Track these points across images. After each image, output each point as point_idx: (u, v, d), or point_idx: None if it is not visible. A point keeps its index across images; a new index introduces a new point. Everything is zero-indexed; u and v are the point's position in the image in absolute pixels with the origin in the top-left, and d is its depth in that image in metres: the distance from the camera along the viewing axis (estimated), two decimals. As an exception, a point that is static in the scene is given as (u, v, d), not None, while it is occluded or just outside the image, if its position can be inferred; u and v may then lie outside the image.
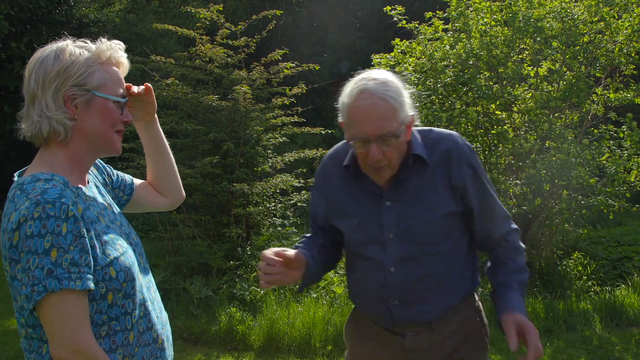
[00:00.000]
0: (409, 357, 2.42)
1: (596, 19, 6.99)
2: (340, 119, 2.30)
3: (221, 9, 8.42)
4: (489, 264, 2.51)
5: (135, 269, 1.93)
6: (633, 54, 7.02)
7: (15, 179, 1.88)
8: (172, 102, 7.92)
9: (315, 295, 6.55)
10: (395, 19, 7.73)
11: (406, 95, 2.23)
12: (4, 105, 12.01)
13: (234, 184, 7.28)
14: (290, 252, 2.27)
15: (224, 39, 8.13)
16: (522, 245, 2.48)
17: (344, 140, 2.38)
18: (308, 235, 2.64)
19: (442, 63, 7.14)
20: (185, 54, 8.50)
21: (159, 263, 7.40)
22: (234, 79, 7.85)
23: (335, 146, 2.55)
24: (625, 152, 6.75)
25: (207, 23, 8.40)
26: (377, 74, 2.22)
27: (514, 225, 2.48)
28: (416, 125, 2.35)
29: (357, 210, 2.39)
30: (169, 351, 2.09)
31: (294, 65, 8.09)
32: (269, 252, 2.25)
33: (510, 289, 2.36)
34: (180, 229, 7.70)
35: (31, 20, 12.92)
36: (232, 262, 7.21)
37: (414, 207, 2.30)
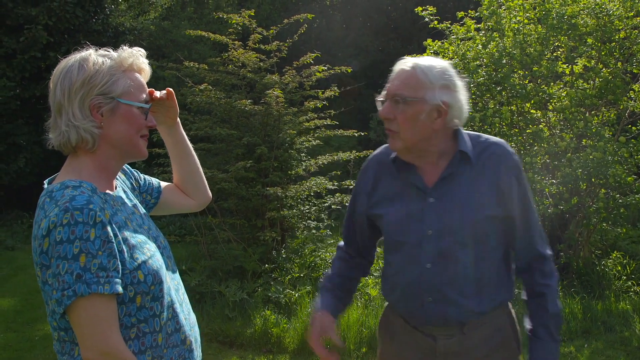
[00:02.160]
0: None
1: (632, 14, 6.87)
2: None
3: (253, 14, 8.48)
4: (524, 296, 2.50)
5: (163, 271, 1.96)
6: (671, 49, 6.89)
7: (45, 186, 1.92)
8: (205, 107, 8.00)
9: (349, 298, 6.54)
10: (427, 19, 7.71)
11: (446, 84, 2.27)
12: (44, 114, 12.25)
13: (268, 187, 7.32)
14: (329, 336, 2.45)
15: (256, 43, 8.18)
16: (555, 271, 2.46)
17: None
18: (341, 248, 2.73)
19: (475, 63, 7.09)
20: (218, 59, 8.57)
21: (195, 267, 7.47)
22: (266, 83, 7.90)
23: (383, 145, 2.58)
24: (664, 149, 6.62)
25: (239, 28, 8.46)
26: (434, 59, 2.33)
27: (549, 251, 2.47)
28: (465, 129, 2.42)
29: (399, 203, 2.42)
30: (197, 352, 2.11)
31: (325, 68, 8.10)
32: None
33: (544, 339, 2.38)
34: (215, 232, 7.77)
35: (69, 30, 13.17)
36: (267, 265, 7.24)
37: (456, 206, 2.32)
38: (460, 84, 2.33)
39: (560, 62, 7.12)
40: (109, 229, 1.78)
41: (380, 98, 2.36)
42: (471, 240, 2.32)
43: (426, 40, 7.68)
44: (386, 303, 2.68)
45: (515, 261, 2.48)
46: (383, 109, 2.32)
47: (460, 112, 2.33)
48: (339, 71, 8.30)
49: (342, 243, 2.74)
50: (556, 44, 7.25)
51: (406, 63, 2.32)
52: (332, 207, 8.18)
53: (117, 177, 2.11)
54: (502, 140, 2.43)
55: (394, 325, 2.57)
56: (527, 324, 2.45)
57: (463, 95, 2.33)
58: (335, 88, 8.25)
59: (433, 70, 2.26)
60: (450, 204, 2.33)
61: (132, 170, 2.27)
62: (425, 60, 2.30)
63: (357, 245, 2.68)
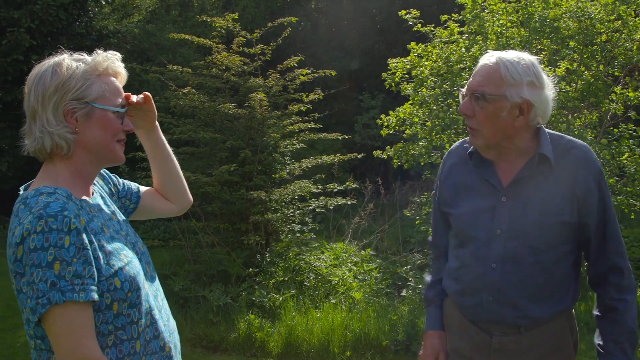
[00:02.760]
0: (494, 356, 2.41)
1: (613, 17, 6.91)
2: None
3: (237, 17, 8.46)
4: (596, 310, 2.44)
5: (141, 278, 1.94)
6: (652, 52, 6.94)
7: (21, 192, 1.90)
8: (189, 111, 7.97)
9: (334, 301, 6.54)
10: (411, 22, 7.72)
11: (531, 80, 2.23)
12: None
13: (252, 191, 7.30)
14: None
15: (240, 47, 8.17)
16: (634, 287, 2.38)
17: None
18: (434, 246, 2.75)
19: (459, 66, 7.10)
20: (202, 62, 8.54)
21: (179, 271, 7.45)
22: (250, 86, 7.88)
23: (461, 140, 2.60)
24: (646, 151, 6.66)
25: (223, 32, 8.44)
26: (522, 54, 2.27)
27: (627, 264, 2.38)
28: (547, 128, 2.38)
29: (472, 198, 2.41)
30: (177, 358, 2.10)
31: (309, 71, 8.09)
32: None
33: (615, 355, 2.30)
34: (199, 237, 7.74)
35: (52, 33, 13.09)
36: (251, 269, 7.22)
37: (529, 208, 2.29)
38: (546, 81, 2.28)
39: (543, 65, 7.11)
40: (84, 235, 1.76)
41: (462, 92, 2.33)
42: (540, 245, 2.28)
43: (410, 44, 7.68)
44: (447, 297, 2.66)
45: (589, 272, 2.42)
46: (462, 104, 2.30)
47: (545, 110, 2.28)
48: (324, 74, 8.29)
49: (432, 241, 2.76)
50: (539, 47, 7.28)
51: (490, 57, 2.28)
52: (317, 210, 8.18)
53: (95, 182, 2.09)
54: (585, 145, 2.37)
55: (451, 317, 2.57)
56: (598, 340, 2.37)
57: (549, 92, 2.28)
58: (320, 91, 8.25)
59: (517, 66, 2.21)
60: (523, 206, 2.30)
61: (111, 175, 2.25)
62: (511, 55, 2.25)
63: (442, 243, 2.67)
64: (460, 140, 2.60)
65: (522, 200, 2.30)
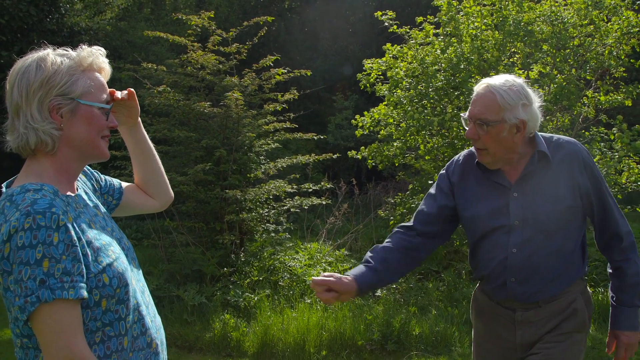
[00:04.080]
0: (518, 328, 2.79)
1: (586, 22, 7.03)
2: None
3: (212, 15, 8.42)
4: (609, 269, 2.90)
5: (129, 274, 1.92)
6: (623, 57, 7.07)
7: (4, 189, 1.87)
8: (164, 109, 7.91)
9: (309, 301, 6.55)
10: (386, 24, 7.76)
11: (525, 102, 2.63)
12: (-3, 114, 11.93)
13: (227, 190, 7.27)
14: (336, 278, 2.63)
15: (215, 45, 8.14)
16: (634, 246, 2.82)
17: None
18: (405, 225, 2.96)
19: (434, 67, 7.16)
20: (176, 61, 8.49)
21: (153, 271, 7.40)
22: (225, 85, 7.85)
23: (464, 152, 2.97)
24: (616, 154, 6.77)
25: (199, 30, 8.40)
26: (510, 78, 2.68)
27: (629, 227, 2.83)
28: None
29: (487, 200, 2.78)
30: (163, 355, 2.09)
31: (285, 71, 8.09)
32: (318, 278, 2.63)
33: (623, 305, 2.81)
34: (173, 236, 7.69)
35: (22, 29, 12.92)
36: (225, 268, 7.20)
37: (537, 199, 2.68)
38: (533, 97, 2.69)
39: (516, 68, 7.23)
40: (72, 232, 1.74)
41: (464, 116, 2.72)
42: (552, 228, 2.67)
43: (385, 45, 7.73)
44: (476, 286, 3.06)
45: (597, 241, 2.87)
46: (469, 131, 2.69)
47: (536, 122, 2.68)
48: (298, 74, 8.30)
49: (406, 224, 2.97)
50: (512, 50, 7.37)
51: (485, 87, 2.65)
52: (291, 210, 8.17)
53: (78, 178, 2.06)
54: (572, 139, 2.81)
55: (480, 302, 2.98)
56: (611, 293, 2.87)
57: (537, 104, 2.69)
58: (295, 91, 8.25)
59: (511, 93, 2.60)
60: (532, 197, 2.69)
61: (93, 171, 2.23)
62: (501, 81, 2.64)
63: (424, 226, 2.91)
64: (466, 151, 2.94)
65: (531, 192, 2.70)
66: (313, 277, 2.66)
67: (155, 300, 6.56)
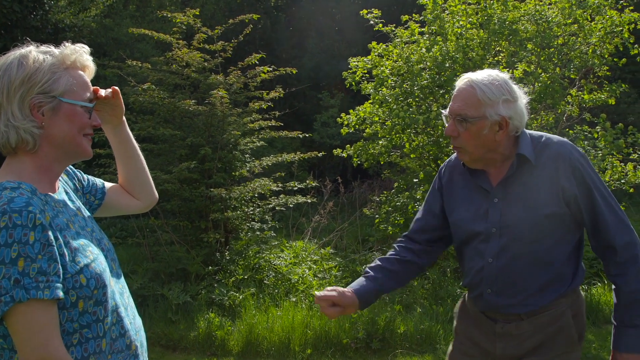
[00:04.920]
0: (498, 340, 2.63)
1: (570, 21, 7.06)
2: None
3: (198, 13, 8.39)
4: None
5: (107, 275, 1.90)
6: (606, 56, 7.11)
7: None
8: (148, 107, 7.87)
9: (294, 299, 6.55)
10: (372, 22, 7.76)
11: (507, 98, 2.47)
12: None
13: (212, 189, 7.25)
14: (339, 293, 2.61)
15: (200, 43, 8.10)
16: (634, 259, 2.49)
17: None
18: (405, 235, 2.92)
19: (419, 66, 7.17)
20: (161, 58, 8.45)
21: (137, 269, 7.36)
22: (210, 83, 7.83)
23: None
24: (600, 152, 6.81)
25: (184, 27, 8.37)
26: (493, 72, 2.52)
27: (633, 237, 2.50)
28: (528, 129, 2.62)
29: (470, 203, 2.65)
30: (143, 357, 2.06)
31: (270, 69, 8.08)
32: (321, 294, 2.61)
33: (619, 327, 2.53)
34: (158, 234, 7.66)
35: (5, 26, 12.78)
36: (210, 267, 7.18)
37: (517, 205, 2.51)
38: (519, 93, 2.53)
39: (501, 67, 7.24)
40: (49, 232, 1.72)
41: (444, 113, 2.57)
42: (530, 237, 2.49)
43: (371, 43, 7.73)
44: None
45: (593, 250, 2.63)
46: (448, 127, 2.53)
47: (521, 120, 2.51)
48: (284, 72, 8.29)
49: (405, 234, 2.93)
50: (497, 48, 7.39)
51: (466, 81, 2.50)
52: (276, 208, 8.16)
53: (60, 177, 2.04)
54: (564, 140, 2.59)
55: (464, 308, 2.85)
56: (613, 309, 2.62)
57: (523, 102, 2.53)
58: (280, 89, 8.24)
59: (492, 88, 2.45)
60: (512, 204, 2.53)
61: (76, 170, 2.21)
62: (482, 76, 2.49)
63: (425, 236, 2.86)
64: (454, 155, 2.81)
65: (511, 198, 2.53)
66: (316, 293, 2.62)
67: (140, 299, 6.61)
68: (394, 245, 2.91)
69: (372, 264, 2.81)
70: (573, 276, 2.59)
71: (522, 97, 2.53)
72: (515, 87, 2.52)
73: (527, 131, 2.57)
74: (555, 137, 2.58)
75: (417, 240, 2.85)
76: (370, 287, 2.69)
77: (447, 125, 2.55)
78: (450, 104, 2.53)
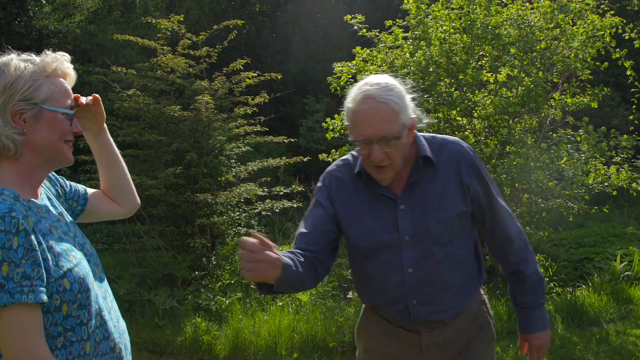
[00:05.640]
0: (425, 352, 2.53)
1: (552, 25, 7.11)
2: (346, 122, 2.41)
3: (182, 19, 8.41)
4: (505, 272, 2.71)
5: (90, 279, 1.93)
6: (588, 59, 7.17)
7: None
8: (134, 113, 7.88)
9: (280, 304, 6.56)
10: (356, 27, 7.79)
11: (408, 98, 2.33)
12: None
13: (198, 194, 7.26)
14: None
15: (185, 49, 8.12)
16: (528, 243, 2.63)
17: (352, 151, 2.57)
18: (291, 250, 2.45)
19: (403, 70, 7.20)
20: (146, 64, 8.46)
21: (123, 275, 7.35)
22: (196, 89, 7.85)
23: (344, 156, 2.61)
24: (583, 155, 6.86)
25: (168, 34, 8.38)
26: (380, 79, 2.32)
27: (519, 225, 2.62)
28: (420, 131, 2.50)
29: (371, 216, 2.46)
30: (127, 359, 2.09)
31: (255, 74, 8.11)
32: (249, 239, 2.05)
33: (528, 308, 2.64)
34: (144, 240, 7.66)
35: (-11, 32, 12.77)
36: (197, 272, 7.18)
37: (428, 209, 2.40)
38: (405, 88, 2.36)
39: (484, 71, 7.31)
40: (32, 237, 1.74)
41: (358, 142, 2.30)
42: (445, 239, 2.41)
43: (355, 48, 7.76)
44: (363, 306, 2.74)
45: (489, 245, 2.64)
46: (376, 155, 2.27)
47: (420, 115, 2.40)
48: (269, 77, 8.32)
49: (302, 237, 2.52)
50: (481, 53, 7.43)
51: (371, 100, 2.25)
52: (262, 213, 8.17)
53: (42, 184, 2.06)
54: (456, 139, 2.53)
55: (375, 326, 2.64)
56: (513, 298, 2.69)
57: (410, 96, 2.36)
58: (265, 94, 8.26)
59: (394, 94, 2.26)
60: (422, 208, 2.41)
61: (58, 177, 2.23)
62: (381, 88, 2.26)
63: (314, 247, 2.45)
64: (337, 161, 2.61)
65: (419, 203, 2.41)
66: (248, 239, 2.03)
67: (126, 304, 6.59)
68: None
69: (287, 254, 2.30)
70: (479, 273, 2.60)
71: (407, 90, 2.37)
72: (402, 85, 2.36)
73: (419, 133, 2.48)
74: (449, 137, 2.53)
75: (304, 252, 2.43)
76: (294, 273, 2.20)
77: (368, 152, 2.29)
78: (362, 130, 2.27)
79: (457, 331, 2.53)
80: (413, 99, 2.37)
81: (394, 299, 2.46)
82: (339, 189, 2.52)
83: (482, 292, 2.67)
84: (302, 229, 2.51)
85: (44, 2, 15.13)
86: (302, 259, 2.31)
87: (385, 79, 2.32)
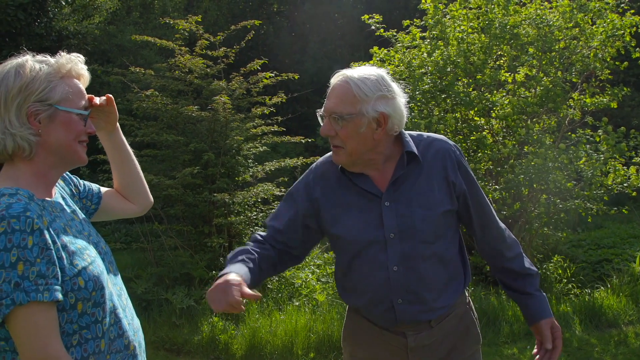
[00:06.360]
0: (411, 355, 2.48)
1: (571, 25, 7.07)
2: None
3: (200, 19, 8.43)
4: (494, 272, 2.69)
5: (104, 277, 1.94)
6: (608, 59, 7.11)
7: None
8: (152, 113, 7.93)
9: (297, 304, 6.57)
10: (373, 27, 7.79)
11: (383, 94, 2.31)
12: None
13: (215, 194, 7.28)
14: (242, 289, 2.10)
15: (203, 49, 8.14)
16: (516, 239, 2.63)
17: None
18: (262, 235, 2.57)
19: (420, 70, 7.19)
20: (164, 65, 8.50)
21: (141, 274, 7.38)
22: (213, 89, 7.87)
23: (329, 153, 2.56)
24: (602, 155, 6.82)
25: (186, 34, 8.42)
26: (371, 70, 2.36)
27: (502, 225, 2.60)
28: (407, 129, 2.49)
29: (356, 212, 2.44)
30: (142, 357, 2.10)
31: (272, 75, 8.11)
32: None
33: (534, 294, 2.57)
34: (162, 240, 7.68)
35: (10, 34, 12.87)
36: (214, 272, 7.20)
37: (413, 206, 2.38)
38: (397, 90, 2.37)
39: (502, 71, 7.28)
40: (47, 235, 1.76)
41: (320, 113, 2.40)
42: (431, 237, 2.38)
43: (372, 48, 7.75)
44: (347, 307, 2.69)
45: (478, 245, 2.61)
46: (323, 127, 2.36)
47: (401, 118, 2.37)
48: (286, 78, 8.33)
49: (262, 234, 2.59)
50: (499, 53, 7.41)
51: (340, 77, 2.35)
52: (280, 213, 8.15)
53: (56, 184, 2.09)
54: (442, 136, 2.52)
55: (360, 328, 2.59)
56: (512, 293, 2.62)
57: (402, 100, 2.37)
58: (283, 94, 8.27)
59: (367, 83, 2.30)
60: (407, 206, 2.38)
61: (72, 176, 2.25)
62: (359, 72, 2.33)
63: (285, 238, 2.54)
64: (324, 157, 2.61)
65: (404, 199, 2.40)
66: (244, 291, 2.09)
67: (144, 303, 6.63)
68: (250, 244, 2.54)
69: (235, 254, 2.41)
70: (464, 273, 2.57)
71: (402, 95, 2.39)
72: (394, 85, 2.38)
73: (406, 132, 2.47)
74: (435, 135, 2.53)
75: (271, 245, 2.53)
76: (258, 280, 2.37)
77: (322, 124, 2.38)
78: (325, 102, 2.37)
79: (444, 333, 2.50)
80: (406, 104, 2.40)
81: (379, 298, 2.43)
82: (324, 187, 2.51)
83: (466, 293, 2.63)
84: (271, 221, 2.59)
85: (64, 3, 15.25)
86: (262, 255, 2.44)
87: (374, 70, 2.37)
